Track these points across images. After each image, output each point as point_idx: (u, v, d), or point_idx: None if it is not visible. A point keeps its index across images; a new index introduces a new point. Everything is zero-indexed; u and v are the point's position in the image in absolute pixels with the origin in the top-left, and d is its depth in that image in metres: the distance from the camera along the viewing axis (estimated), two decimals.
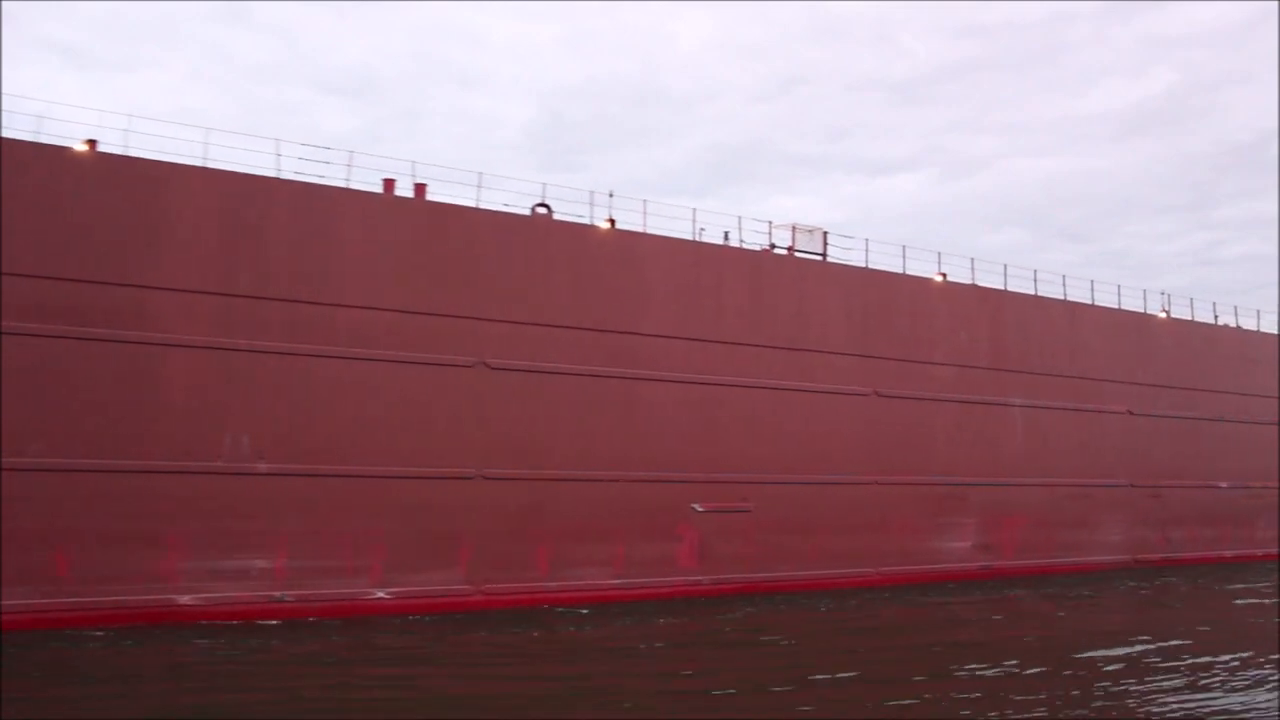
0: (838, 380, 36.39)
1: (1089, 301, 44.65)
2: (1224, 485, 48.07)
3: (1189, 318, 48.83)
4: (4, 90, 36.88)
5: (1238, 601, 35.73)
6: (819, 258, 37.00)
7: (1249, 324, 51.68)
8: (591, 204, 32.38)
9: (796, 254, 36.62)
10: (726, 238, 35.29)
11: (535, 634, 26.18)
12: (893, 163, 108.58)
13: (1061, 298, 43.57)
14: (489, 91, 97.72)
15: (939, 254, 39.64)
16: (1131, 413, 44.85)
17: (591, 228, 32.49)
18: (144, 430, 25.54)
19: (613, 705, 18.52)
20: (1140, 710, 18.13)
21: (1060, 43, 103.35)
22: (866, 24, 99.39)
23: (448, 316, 29.63)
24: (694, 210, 34.19)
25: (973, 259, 40.58)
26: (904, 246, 38.64)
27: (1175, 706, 18.27)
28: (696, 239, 34.43)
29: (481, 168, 34.51)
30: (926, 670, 21.66)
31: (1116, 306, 45.66)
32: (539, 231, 31.52)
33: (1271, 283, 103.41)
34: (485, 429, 29.84)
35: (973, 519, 39.14)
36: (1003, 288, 41.64)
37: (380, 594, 27.93)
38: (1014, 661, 22.76)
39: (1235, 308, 51.03)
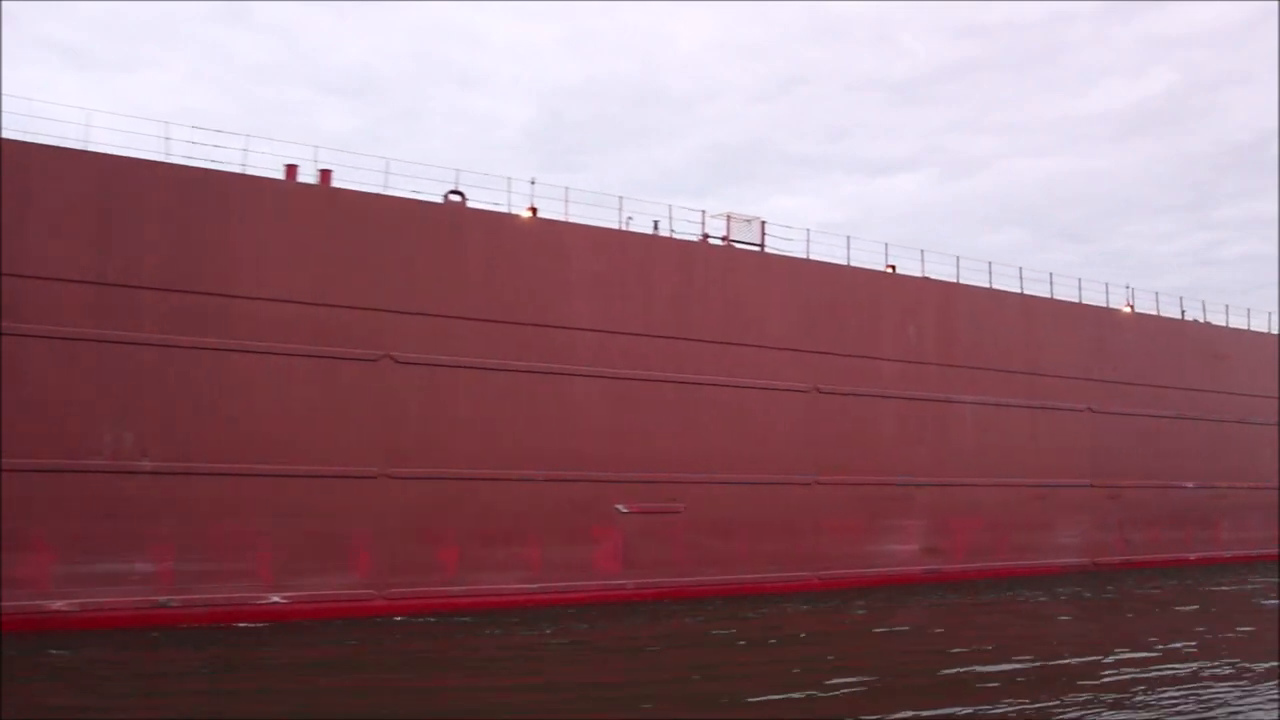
0: (775, 375, 34.96)
1: (1048, 295, 43.14)
2: (1189, 485, 46.55)
3: (1154, 312, 47.31)
4: (4, 90, 36.09)
5: (1265, 602, 34.66)
6: (756, 248, 35.58)
7: (1218, 320, 50.20)
8: (510, 190, 31.00)
9: (733, 244, 35.20)
10: (656, 227, 33.88)
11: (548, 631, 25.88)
12: (893, 163, 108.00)
13: (1018, 291, 42.09)
14: (489, 91, 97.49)
15: (886, 245, 38.25)
16: (1092, 410, 43.37)
17: (511, 216, 31.09)
18: (13, 427, 24.16)
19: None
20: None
21: (1060, 43, 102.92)
22: (866, 24, 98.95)
23: (351, 308, 28.29)
24: (620, 199, 32.82)
25: (922, 250, 39.24)
26: (848, 237, 37.27)
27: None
28: (623, 228, 33.01)
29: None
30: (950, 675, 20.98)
31: (1077, 300, 44.14)
32: (451, 219, 30.13)
33: (1271, 283, 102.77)
34: (390, 426, 28.49)
35: (920, 521, 37.68)
36: (955, 280, 40.16)
37: (275, 598, 26.59)
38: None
39: (1203, 303, 49.59)
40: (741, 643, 25.52)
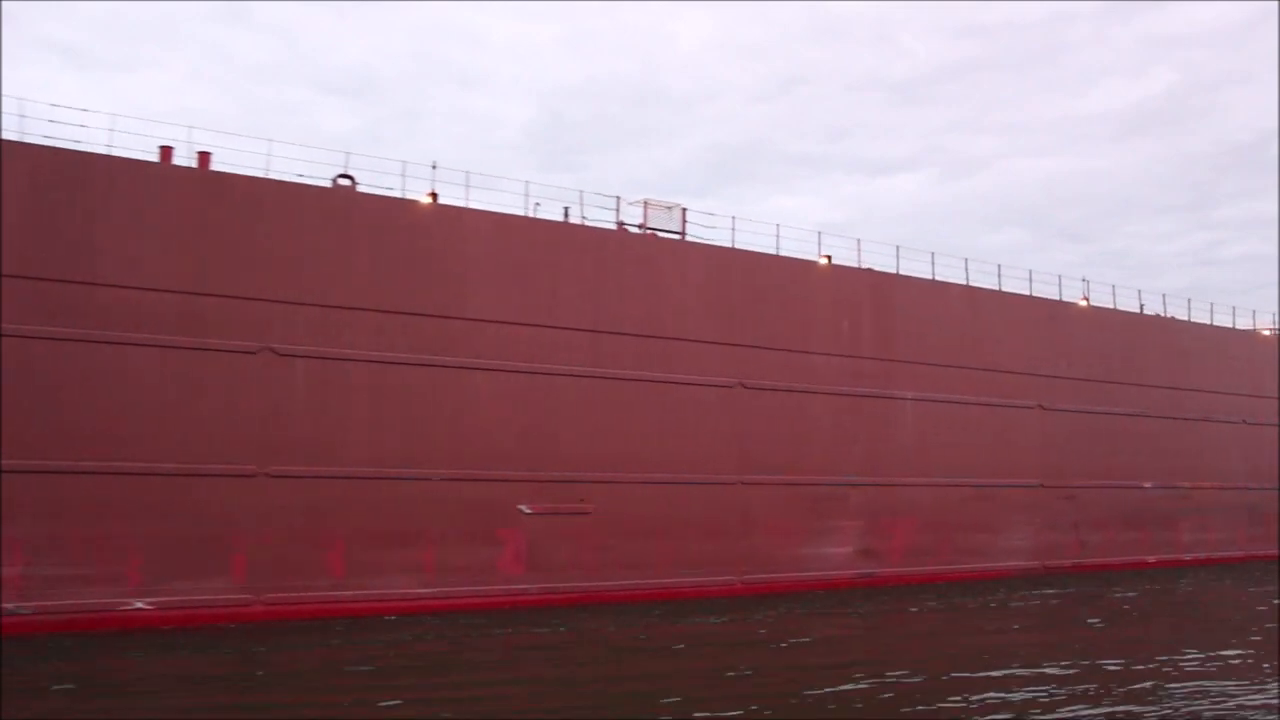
0: (696, 370, 33.33)
1: (995, 287, 41.49)
2: (1147, 485, 44.81)
3: (1112, 306, 45.63)
4: (4, 90, 35.14)
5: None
6: (676, 236, 34.00)
7: (1180, 314, 48.53)
8: (404, 175, 29.47)
9: (652, 232, 33.62)
10: (566, 214, 32.31)
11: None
12: (893, 163, 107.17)
13: (963, 282, 40.44)
14: (489, 91, 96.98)
15: (819, 233, 36.68)
16: (1042, 407, 41.68)
17: (408, 202, 29.55)
18: None
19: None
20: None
21: (1060, 43, 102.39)
22: (866, 24, 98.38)
23: (229, 297, 26.76)
24: (527, 184, 31.28)
25: (859, 240, 37.62)
26: (778, 225, 35.66)
27: None
28: (530, 215, 31.45)
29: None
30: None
31: (1028, 293, 42.49)
32: (340, 204, 28.60)
33: (1271, 283, 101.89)
34: (270, 422, 26.94)
35: (855, 522, 36.00)
36: (895, 271, 38.54)
37: (139, 604, 25.05)
38: None
39: (1164, 296, 47.92)
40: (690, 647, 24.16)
